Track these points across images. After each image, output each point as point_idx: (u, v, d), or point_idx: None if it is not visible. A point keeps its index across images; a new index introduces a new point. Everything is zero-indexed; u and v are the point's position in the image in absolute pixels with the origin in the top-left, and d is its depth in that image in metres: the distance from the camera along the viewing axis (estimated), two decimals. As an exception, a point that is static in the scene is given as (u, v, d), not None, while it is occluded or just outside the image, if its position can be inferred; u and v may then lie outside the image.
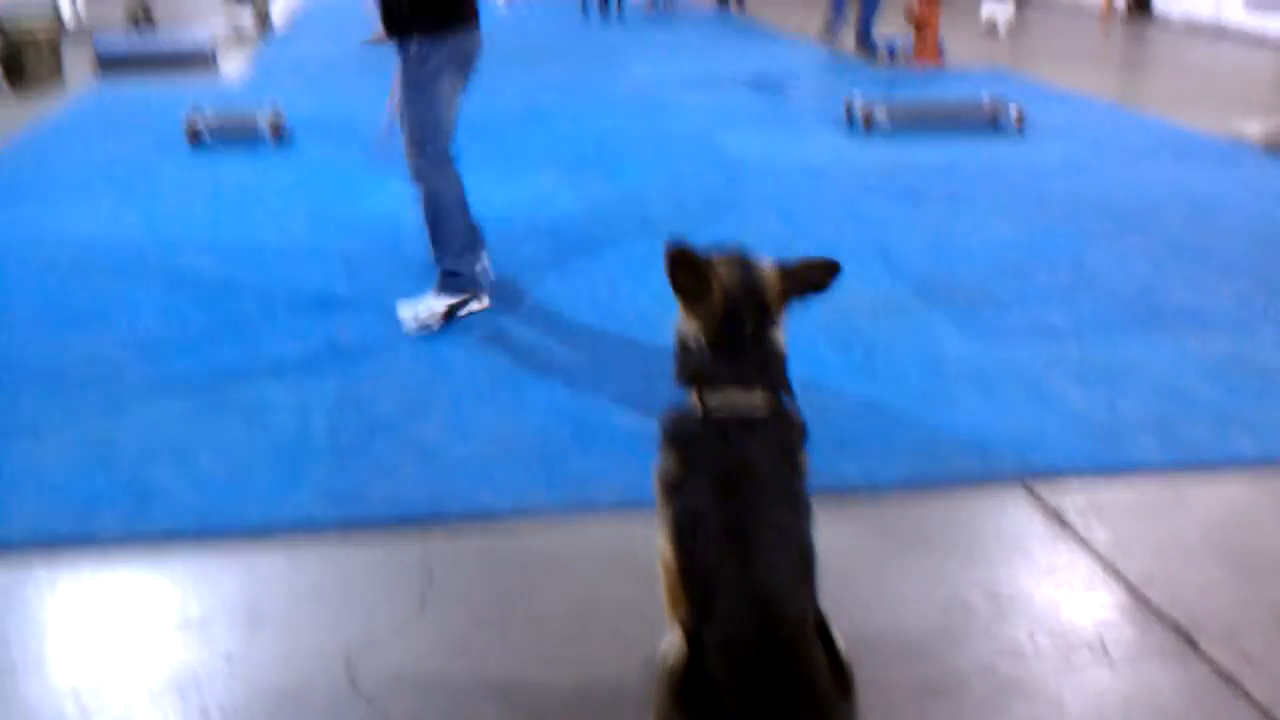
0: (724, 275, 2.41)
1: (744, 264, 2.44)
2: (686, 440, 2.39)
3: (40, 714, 2.65)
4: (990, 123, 8.91)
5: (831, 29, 13.25)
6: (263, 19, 14.56)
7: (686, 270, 2.39)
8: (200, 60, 11.74)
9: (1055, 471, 3.73)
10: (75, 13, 15.78)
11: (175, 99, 9.73)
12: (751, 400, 2.38)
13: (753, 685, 2.10)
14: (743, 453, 2.32)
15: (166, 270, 5.58)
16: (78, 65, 11.35)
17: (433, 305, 4.95)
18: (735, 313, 2.39)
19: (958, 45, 12.70)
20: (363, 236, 6.15)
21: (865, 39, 12.44)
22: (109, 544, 3.32)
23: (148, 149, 8.13)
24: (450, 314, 4.97)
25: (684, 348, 2.45)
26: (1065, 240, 6.12)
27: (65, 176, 7.37)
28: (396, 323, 4.90)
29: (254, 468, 3.73)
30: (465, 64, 5.15)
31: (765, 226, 6.27)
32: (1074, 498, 3.59)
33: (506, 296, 5.25)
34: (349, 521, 3.43)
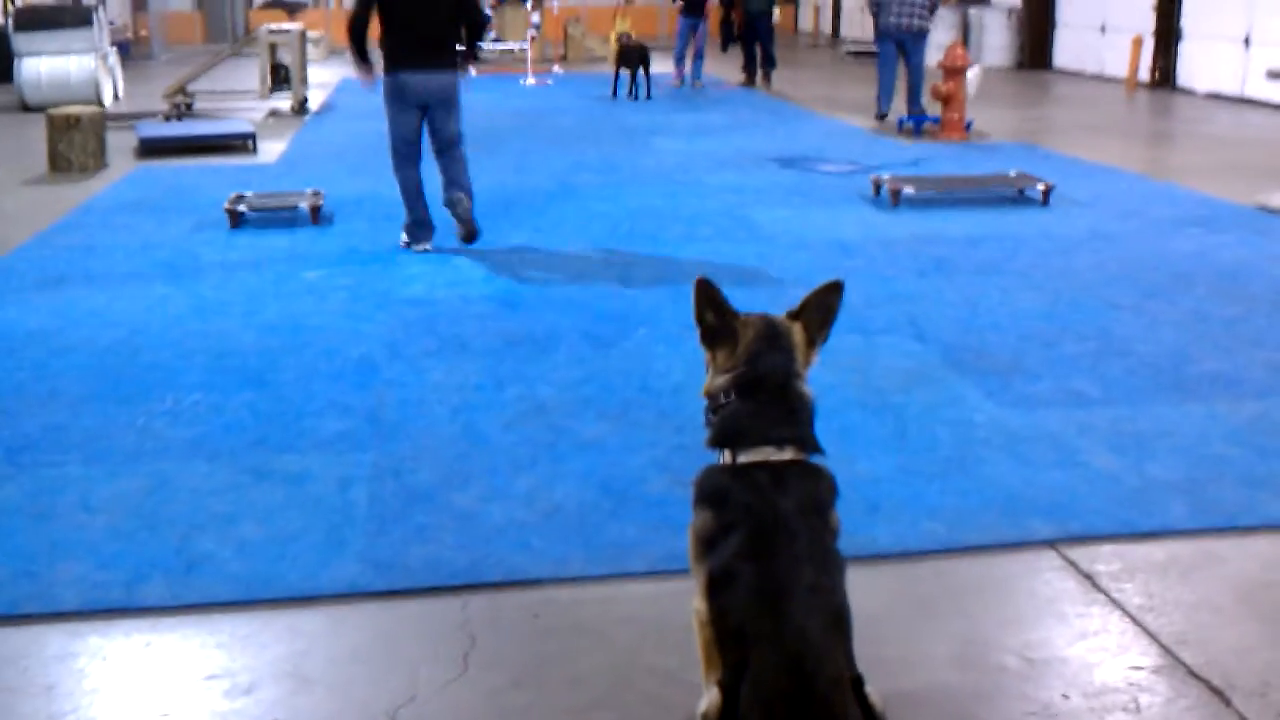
0: (747, 320, 2.56)
1: (765, 316, 2.59)
2: (720, 497, 2.45)
3: (93, 775, 2.72)
4: (1017, 195, 9.01)
5: (881, 109, 13.47)
6: (300, 103, 14.87)
7: (713, 309, 2.55)
8: (239, 143, 12.00)
9: (1087, 535, 3.77)
10: (116, 94, 16.16)
11: (215, 181, 9.96)
12: (782, 455, 2.45)
13: None
14: (775, 508, 2.38)
15: (210, 349, 5.71)
16: (119, 149, 11.62)
17: (402, 235, 7.76)
18: (761, 356, 2.51)
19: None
20: (400, 313, 6.27)
21: (914, 104, 12.77)
22: (158, 611, 3.40)
23: (189, 230, 8.32)
24: (407, 246, 7.68)
25: (714, 405, 2.55)
26: (1093, 310, 6.18)
27: (109, 258, 7.55)
28: (435, 395, 5.01)
29: (297, 536, 3.81)
30: (405, 97, 7.39)
31: (795, 298, 6.34)
32: (1106, 560, 3.62)
33: (543, 368, 5.34)
34: (391, 587, 3.50)
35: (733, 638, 2.30)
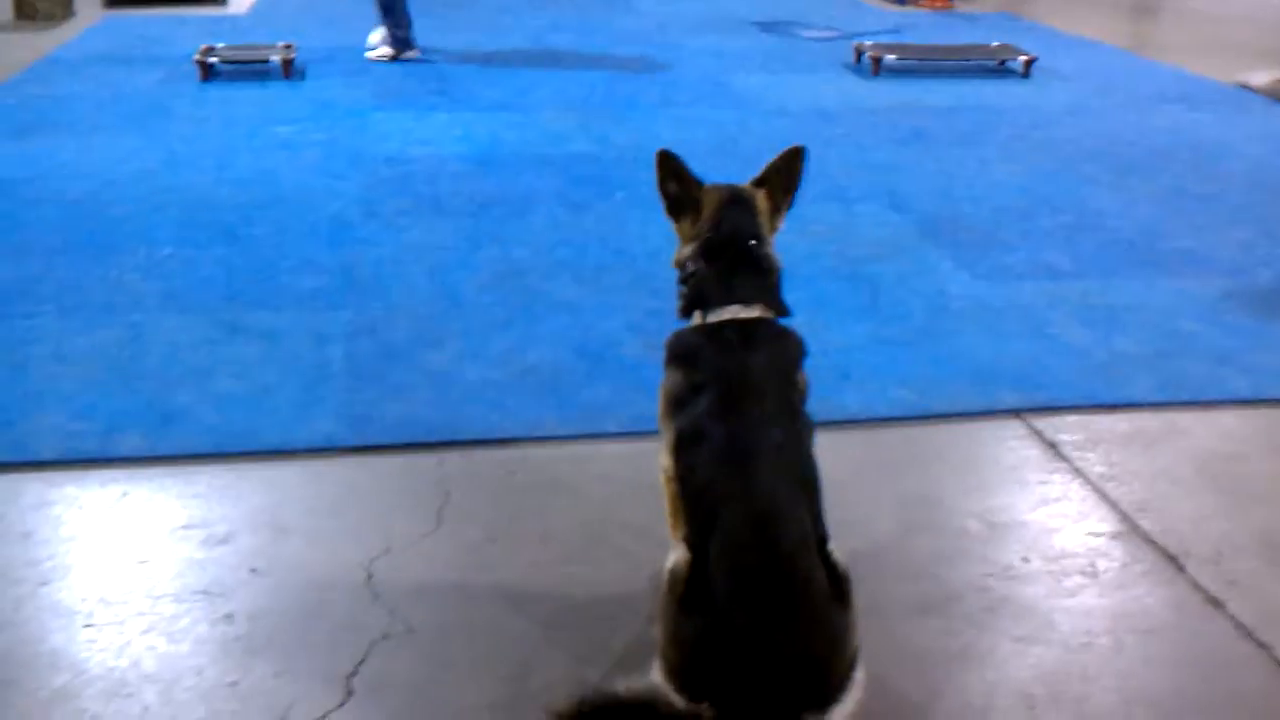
0: (711, 189, 2.60)
1: (729, 184, 2.63)
2: (690, 356, 2.49)
3: (72, 620, 2.77)
4: (998, 66, 8.94)
5: None
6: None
7: (675, 179, 2.61)
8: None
9: (1053, 405, 3.83)
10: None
11: (185, 32, 9.76)
12: (751, 313, 2.49)
13: (754, 595, 2.18)
14: (745, 367, 2.42)
15: (181, 202, 5.66)
16: (87, -2, 11.35)
17: (384, 50, 8.81)
18: (726, 221, 2.55)
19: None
20: (375, 170, 6.21)
21: None
22: (134, 461, 3.43)
23: (159, 82, 8.17)
24: (395, 58, 8.77)
25: (684, 274, 2.59)
26: (1070, 184, 6.19)
27: (78, 109, 7.42)
28: (410, 254, 5.00)
29: (272, 391, 3.84)
30: None
31: (773, 166, 6.33)
32: (1070, 430, 3.69)
33: (519, 230, 5.33)
34: (367, 442, 3.54)
35: (700, 495, 2.34)
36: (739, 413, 2.37)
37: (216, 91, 7.96)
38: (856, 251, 5.14)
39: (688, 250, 2.58)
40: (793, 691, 2.13)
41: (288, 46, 8.53)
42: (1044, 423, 3.73)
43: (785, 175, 2.67)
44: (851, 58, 9.11)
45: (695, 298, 2.54)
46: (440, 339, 4.24)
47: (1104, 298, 4.70)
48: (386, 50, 8.94)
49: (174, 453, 3.48)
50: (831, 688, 2.17)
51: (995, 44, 9.33)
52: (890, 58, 8.81)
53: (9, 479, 3.34)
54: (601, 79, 8.56)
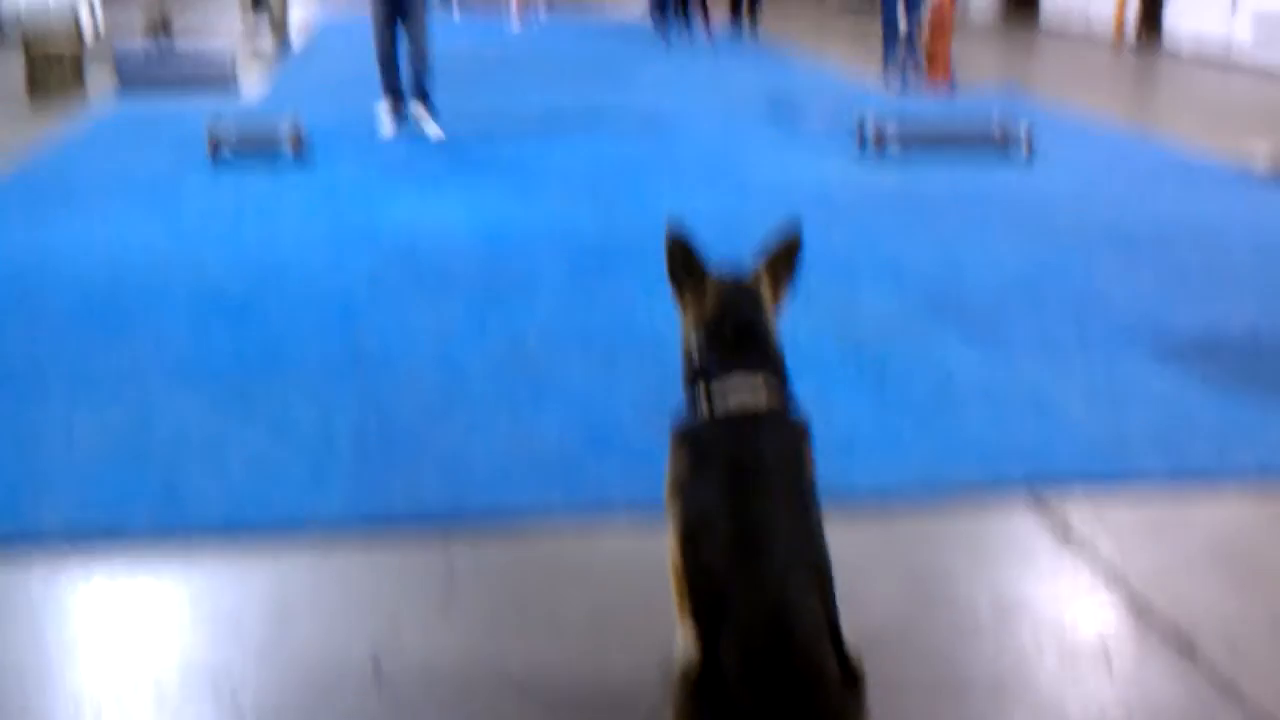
0: (715, 273, 2.60)
1: (733, 270, 2.64)
2: (696, 439, 2.47)
3: (80, 704, 2.75)
4: (1000, 146, 9.02)
5: (887, 66, 13.45)
6: (280, 34, 14.71)
7: (683, 256, 2.61)
8: (220, 75, 11.88)
9: (1061, 484, 3.82)
10: (95, 26, 15.95)
11: (196, 113, 9.87)
12: (756, 389, 2.47)
13: (767, 687, 2.14)
14: (751, 447, 2.39)
15: (191, 282, 5.69)
16: (98, 78, 11.49)
17: (385, 120, 9.56)
18: (731, 305, 2.56)
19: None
20: (382, 247, 6.26)
21: (904, 54, 12.75)
22: (141, 540, 3.42)
23: (170, 162, 8.26)
24: (393, 110, 9.57)
25: (688, 359, 2.59)
26: (1074, 262, 6.22)
27: (89, 190, 7.50)
28: (418, 332, 5.03)
29: (280, 469, 3.84)
30: None
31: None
32: (1079, 510, 3.68)
33: (525, 309, 5.36)
34: (373, 522, 3.53)
35: (709, 583, 2.29)
36: (747, 497, 2.33)
37: (227, 172, 8.04)
38: (862, 330, 5.16)
39: (693, 337, 2.59)
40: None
41: (297, 127, 8.63)
42: (1053, 503, 3.71)
43: (785, 260, 2.68)
44: (855, 139, 9.19)
45: (700, 381, 2.53)
46: (447, 418, 4.24)
47: (1111, 376, 4.70)
48: (387, 118, 9.63)
49: (181, 533, 3.47)
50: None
51: (997, 124, 9.41)
52: (893, 139, 8.90)
53: (16, 559, 3.33)
54: (608, 158, 8.65)
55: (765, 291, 2.63)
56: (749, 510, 2.31)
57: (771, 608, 2.21)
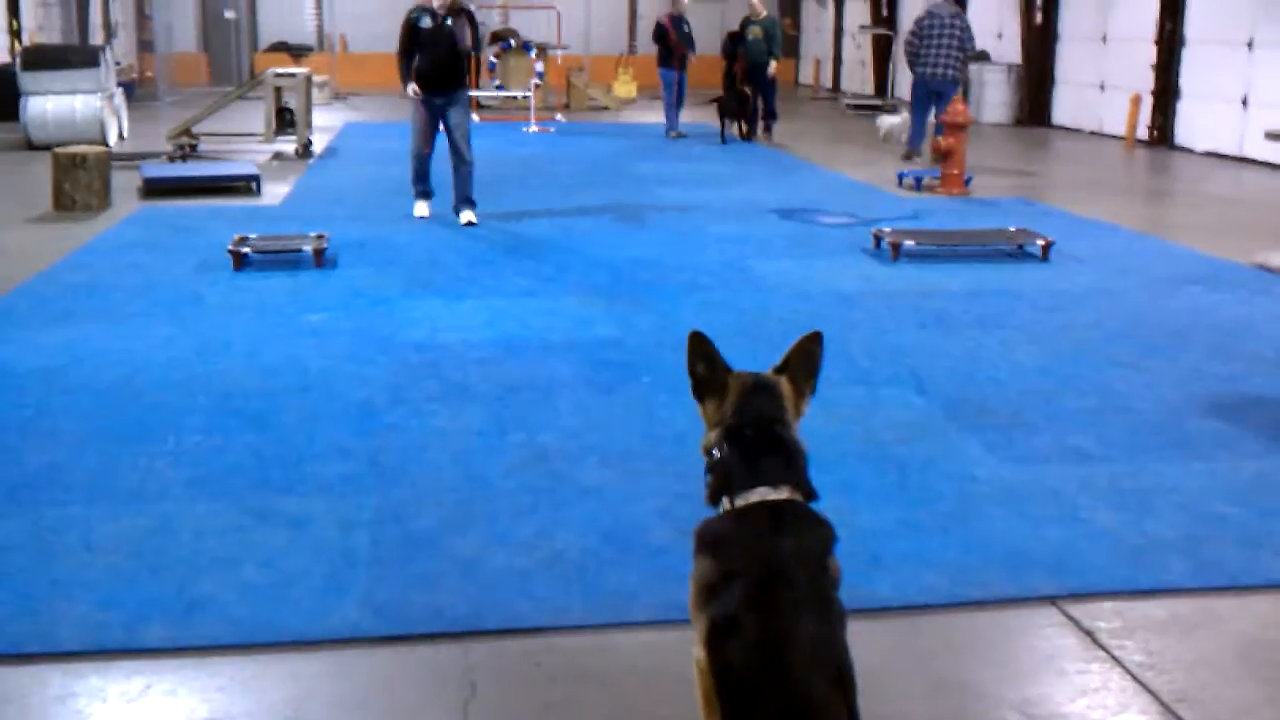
0: (737, 375, 2.63)
1: (754, 372, 2.66)
2: (720, 543, 2.47)
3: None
4: (1017, 250, 9.07)
5: (911, 147, 14.05)
6: (304, 146, 14.96)
7: (706, 361, 2.64)
8: (243, 185, 12.06)
9: (1087, 591, 3.78)
10: (120, 133, 16.25)
11: (219, 223, 10.01)
12: (780, 499, 2.47)
13: None
14: (776, 552, 2.40)
15: (212, 389, 5.72)
16: (125, 190, 11.67)
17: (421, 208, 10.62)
18: (750, 407, 2.56)
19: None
20: (403, 357, 6.29)
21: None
22: (158, 652, 3.40)
23: (192, 269, 8.35)
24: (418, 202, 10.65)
25: (710, 460, 2.58)
26: (1093, 366, 6.21)
27: (112, 297, 7.57)
28: (437, 440, 5.03)
29: (298, 580, 3.82)
30: (428, 108, 10.18)
31: (796, 350, 6.39)
32: (1106, 617, 3.63)
33: (545, 414, 5.36)
34: (392, 632, 3.50)
35: (734, 689, 2.29)
36: (772, 601, 2.33)
37: (249, 280, 8.12)
38: (882, 434, 5.15)
39: (713, 436, 2.59)
40: None
41: (319, 236, 8.74)
42: (1079, 609, 3.67)
43: (806, 361, 2.69)
44: (870, 243, 9.26)
45: (722, 483, 2.53)
46: (467, 525, 4.23)
47: (1133, 480, 4.67)
48: (421, 205, 10.66)
49: (198, 644, 3.44)
50: None
51: (1013, 228, 9.49)
52: (909, 243, 8.96)
53: (33, 669, 3.31)
54: (626, 264, 8.72)
55: (786, 389, 2.64)
56: (774, 614, 2.32)
57: (795, 712, 2.21)
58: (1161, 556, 4.03)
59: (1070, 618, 3.63)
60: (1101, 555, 4.03)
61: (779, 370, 2.68)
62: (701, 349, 2.63)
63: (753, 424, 2.55)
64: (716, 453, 2.56)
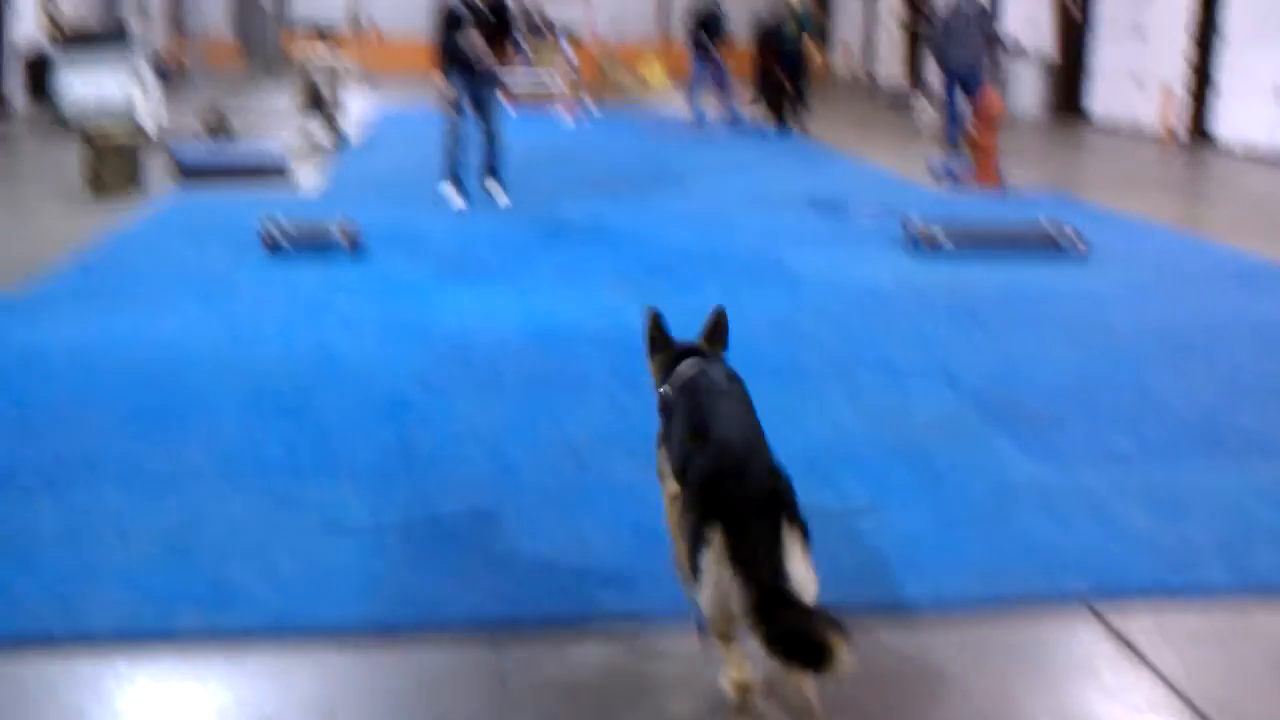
0: (676, 340, 3.76)
1: (685, 340, 3.78)
2: (665, 403, 3.53)
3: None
4: (1051, 246, 8.99)
5: (950, 139, 14.10)
6: (335, 131, 14.97)
7: (658, 331, 3.78)
8: (276, 170, 12.09)
9: (1122, 595, 3.73)
10: (155, 120, 16.33)
11: (252, 207, 10.03)
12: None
13: (727, 466, 3.02)
14: (703, 374, 3.47)
15: (244, 376, 5.74)
16: (157, 173, 11.71)
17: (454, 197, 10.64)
18: (684, 357, 3.64)
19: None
20: (434, 346, 6.29)
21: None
22: (189, 640, 3.40)
23: (225, 256, 8.37)
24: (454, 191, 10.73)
25: (661, 402, 3.58)
26: (1128, 364, 6.16)
27: (146, 282, 7.60)
28: (468, 430, 5.03)
29: (329, 570, 3.82)
30: (460, 87, 10.60)
31: (828, 344, 6.36)
32: (1141, 621, 3.59)
33: (574, 407, 5.35)
34: (422, 626, 3.49)
35: (682, 449, 3.24)
36: (700, 398, 3.34)
37: (281, 267, 8.14)
38: (914, 432, 5.11)
39: (659, 378, 3.66)
40: (772, 508, 2.90)
41: (351, 223, 8.74)
42: (1114, 614, 3.63)
43: (718, 330, 3.79)
44: (903, 236, 9.20)
45: (663, 377, 3.63)
46: (498, 518, 4.22)
47: (1170, 482, 4.62)
48: (455, 196, 10.79)
49: (229, 632, 3.45)
50: (797, 513, 2.93)
51: (1049, 224, 9.40)
52: (942, 236, 8.90)
53: (63, 655, 3.32)
54: (657, 255, 8.70)
55: (704, 348, 3.70)
56: (700, 405, 3.31)
57: (722, 444, 3.12)
58: (1198, 560, 3.98)
59: (1105, 622, 3.59)
60: (1137, 558, 3.99)
61: (702, 338, 3.76)
62: (656, 323, 3.77)
63: (689, 356, 3.62)
64: (665, 393, 3.55)
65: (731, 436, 3.14)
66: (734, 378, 3.50)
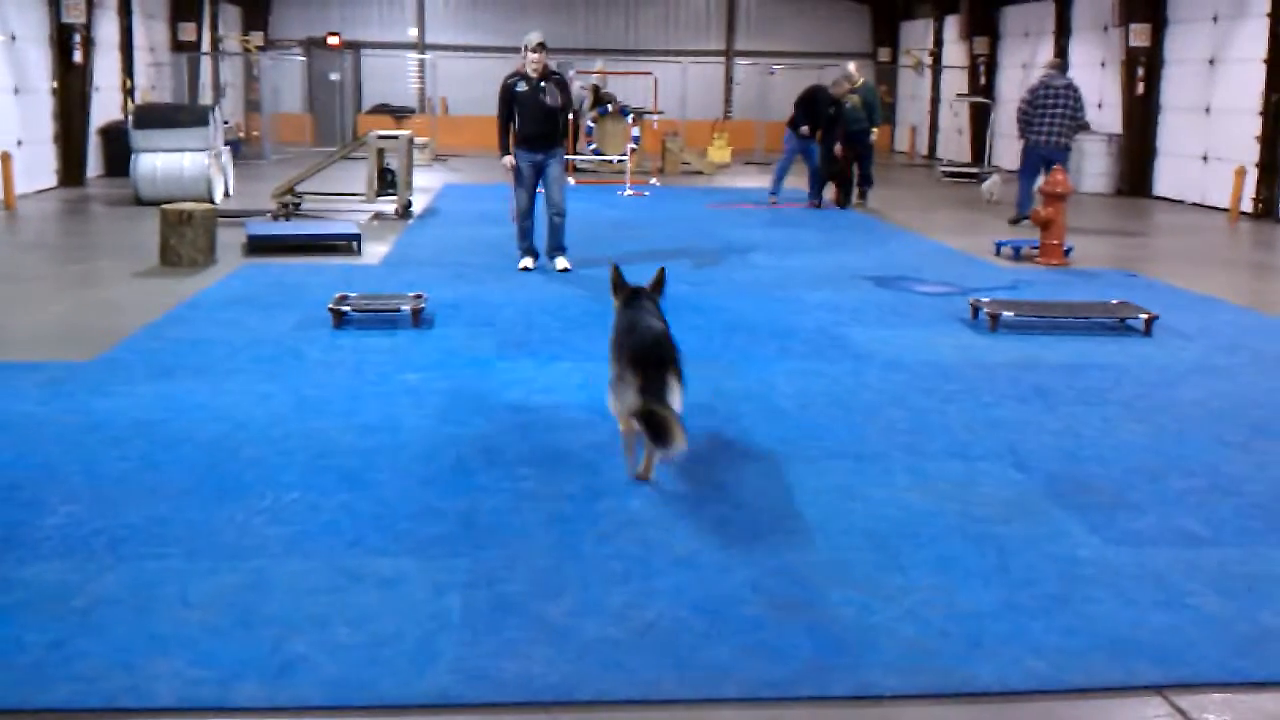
0: (631, 284, 5.96)
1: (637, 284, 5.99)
2: (616, 317, 5.76)
3: None
4: (1118, 324, 8.90)
5: (1021, 213, 14.30)
6: (404, 206, 15.19)
7: (618, 277, 5.97)
8: (345, 244, 12.27)
9: (1196, 682, 3.65)
10: (227, 191, 16.66)
11: (320, 281, 10.17)
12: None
13: (646, 350, 5.31)
14: (639, 302, 5.77)
15: (309, 447, 5.79)
16: (229, 246, 11.92)
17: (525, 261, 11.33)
18: (635, 294, 5.85)
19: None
20: (497, 418, 6.32)
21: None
22: (251, 712, 3.41)
23: (293, 328, 8.48)
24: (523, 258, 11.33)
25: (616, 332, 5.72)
26: (1200, 445, 6.05)
27: (215, 352, 7.71)
28: (529, 503, 5.03)
29: (390, 642, 3.82)
30: (527, 165, 11.11)
31: (893, 421, 6.30)
32: (1216, 709, 3.50)
33: (637, 485, 5.34)
34: (482, 700, 3.48)
35: (619, 341, 5.58)
36: (635, 309, 5.65)
37: (348, 338, 8.23)
38: (981, 511, 5.04)
39: (619, 307, 5.87)
40: (664, 366, 5.20)
41: (418, 296, 8.84)
42: (1187, 701, 3.54)
43: (658, 283, 6.01)
44: (968, 313, 9.15)
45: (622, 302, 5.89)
46: (558, 591, 4.21)
47: (1244, 567, 4.52)
48: (525, 258, 11.33)
49: (290, 705, 3.45)
50: (679, 370, 5.29)
51: (1115, 301, 9.32)
52: (1008, 313, 8.84)
53: (127, 725, 3.33)
54: (719, 329, 8.70)
55: (648, 291, 5.89)
56: (636, 312, 5.64)
57: (645, 334, 5.40)
58: (1275, 647, 3.88)
59: (1177, 708, 3.51)
60: (1210, 644, 3.89)
61: (649, 285, 5.97)
62: (617, 274, 6.00)
63: (635, 293, 5.82)
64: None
65: (647, 332, 5.40)
66: (657, 306, 5.81)
